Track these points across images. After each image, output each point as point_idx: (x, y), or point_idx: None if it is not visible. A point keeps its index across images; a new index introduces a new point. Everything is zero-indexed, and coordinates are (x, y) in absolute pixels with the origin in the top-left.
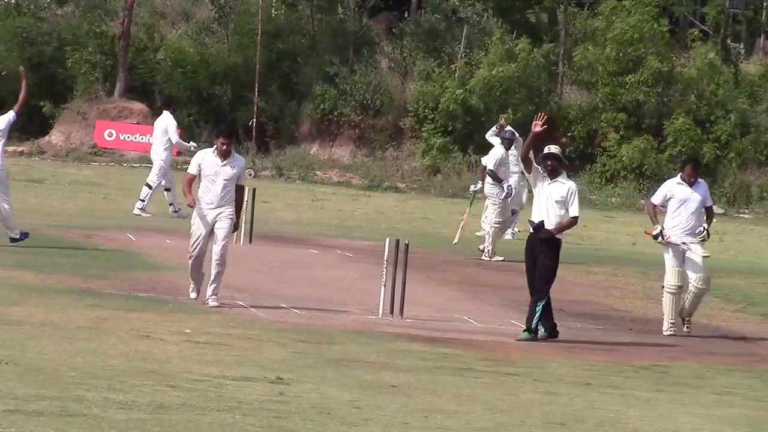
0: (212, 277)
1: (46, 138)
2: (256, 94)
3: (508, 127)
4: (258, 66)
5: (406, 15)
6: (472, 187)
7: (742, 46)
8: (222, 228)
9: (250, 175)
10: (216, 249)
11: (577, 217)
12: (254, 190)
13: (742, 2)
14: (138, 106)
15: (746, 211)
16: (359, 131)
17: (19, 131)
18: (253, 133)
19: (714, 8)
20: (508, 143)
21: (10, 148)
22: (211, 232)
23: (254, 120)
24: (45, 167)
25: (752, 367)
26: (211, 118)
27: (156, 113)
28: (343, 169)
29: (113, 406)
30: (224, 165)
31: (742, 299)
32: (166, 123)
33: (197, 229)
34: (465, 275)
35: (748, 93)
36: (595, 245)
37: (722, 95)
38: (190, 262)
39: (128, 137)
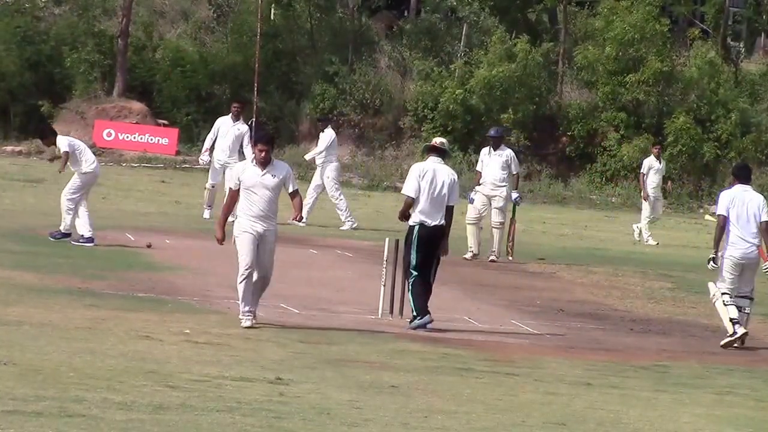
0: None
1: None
2: (255, 93)
3: (492, 130)
4: (257, 65)
5: (405, 14)
6: (514, 195)
7: (742, 45)
8: (266, 253)
9: None
10: (259, 273)
11: (405, 195)
12: None
13: (742, 1)
14: (137, 105)
15: None
16: (359, 131)
17: (18, 131)
18: (252, 133)
19: (713, 7)
20: (495, 143)
21: (8, 148)
22: (258, 246)
23: (253, 119)
24: (43, 167)
25: (753, 367)
26: (210, 118)
27: (155, 113)
28: (343, 168)
29: (112, 406)
30: (264, 174)
31: None
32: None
33: (244, 242)
34: (465, 275)
35: (748, 92)
36: (596, 245)
37: (723, 94)
38: (240, 285)
39: (127, 137)
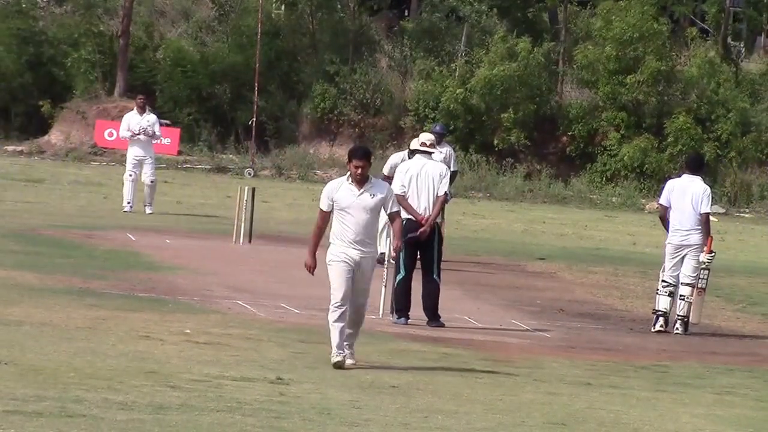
0: (346, 336)
1: (46, 138)
2: (256, 93)
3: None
4: (258, 65)
5: (406, 14)
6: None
7: (742, 45)
8: (361, 281)
9: (249, 174)
10: (351, 306)
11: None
12: (254, 189)
13: (742, 0)
14: None
15: (747, 210)
16: (359, 130)
17: (18, 131)
18: (253, 133)
19: (713, 6)
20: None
21: (10, 148)
22: (354, 273)
23: (254, 119)
24: (44, 167)
25: (753, 367)
26: (211, 118)
27: (157, 113)
28: (344, 168)
29: (113, 406)
30: (362, 193)
31: (743, 299)
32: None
33: (338, 272)
34: (465, 275)
35: (748, 92)
36: (596, 245)
37: (723, 94)
38: (333, 325)
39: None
